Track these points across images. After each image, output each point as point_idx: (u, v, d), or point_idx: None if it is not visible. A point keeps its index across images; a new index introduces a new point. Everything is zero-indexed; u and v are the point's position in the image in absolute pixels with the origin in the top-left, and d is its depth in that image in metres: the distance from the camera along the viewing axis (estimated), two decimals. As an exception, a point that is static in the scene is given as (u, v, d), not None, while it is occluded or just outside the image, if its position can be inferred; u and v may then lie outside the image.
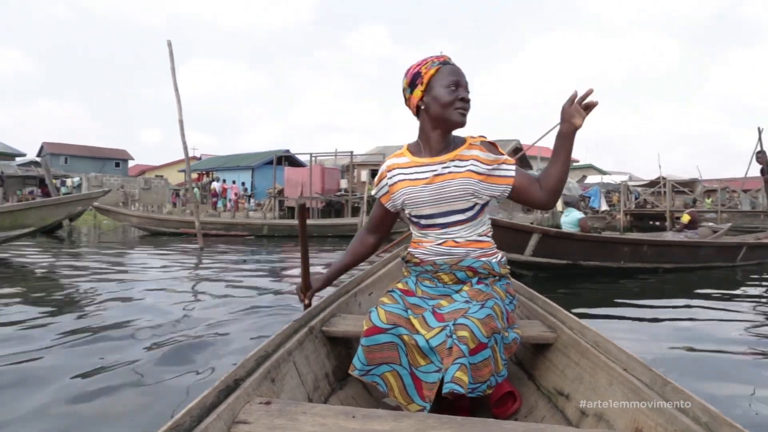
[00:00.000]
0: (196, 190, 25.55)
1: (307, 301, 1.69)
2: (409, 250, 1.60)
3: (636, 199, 20.19)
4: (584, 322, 1.46)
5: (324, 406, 1.12)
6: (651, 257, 5.60)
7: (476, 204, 1.50)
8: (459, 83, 1.46)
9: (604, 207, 21.39)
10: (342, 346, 1.65)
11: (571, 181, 23.57)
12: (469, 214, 1.50)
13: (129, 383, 1.99)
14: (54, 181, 27.87)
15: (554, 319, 1.61)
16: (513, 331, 1.42)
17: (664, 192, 17.55)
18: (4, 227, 6.49)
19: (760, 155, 7.93)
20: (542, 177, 1.49)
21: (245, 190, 27.00)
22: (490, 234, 1.57)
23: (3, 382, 2.00)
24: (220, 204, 23.10)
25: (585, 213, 19.34)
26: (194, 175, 32.04)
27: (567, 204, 9.10)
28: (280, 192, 20.27)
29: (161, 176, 34.61)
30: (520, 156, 22.35)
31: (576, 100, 1.37)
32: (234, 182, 26.51)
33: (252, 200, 25.36)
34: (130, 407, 1.80)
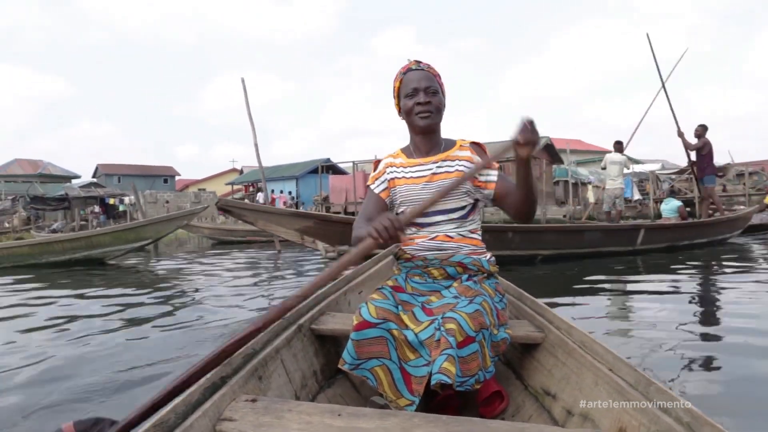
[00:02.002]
0: (246, 201, 27.25)
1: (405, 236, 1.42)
2: (400, 247, 1.62)
3: (670, 186, 20.54)
4: (572, 322, 1.47)
5: (310, 404, 1.12)
6: (521, 244, 5.27)
7: (468, 203, 1.58)
8: (417, 89, 1.52)
9: (637, 196, 21.72)
10: (331, 345, 1.64)
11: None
12: (461, 213, 1.57)
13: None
14: (113, 200, 30.32)
15: (542, 319, 1.60)
16: (504, 330, 1.43)
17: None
18: (129, 240, 8.03)
19: (698, 129, 7.55)
20: (510, 200, 1.52)
21: (292, 198, 28.56)
22: (479, 233, 1.62)
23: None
24: (270, 213, 24.63)
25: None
26: (240, 186, 33.98)
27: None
28: (326, 199, 21.74)
29: (204, 189, 36.58)
30: (551, 150, 23.04)
31: (523, 129, 1.31)
32: (282, 192, 28.14)
33: (301, 208, 26.85)
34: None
